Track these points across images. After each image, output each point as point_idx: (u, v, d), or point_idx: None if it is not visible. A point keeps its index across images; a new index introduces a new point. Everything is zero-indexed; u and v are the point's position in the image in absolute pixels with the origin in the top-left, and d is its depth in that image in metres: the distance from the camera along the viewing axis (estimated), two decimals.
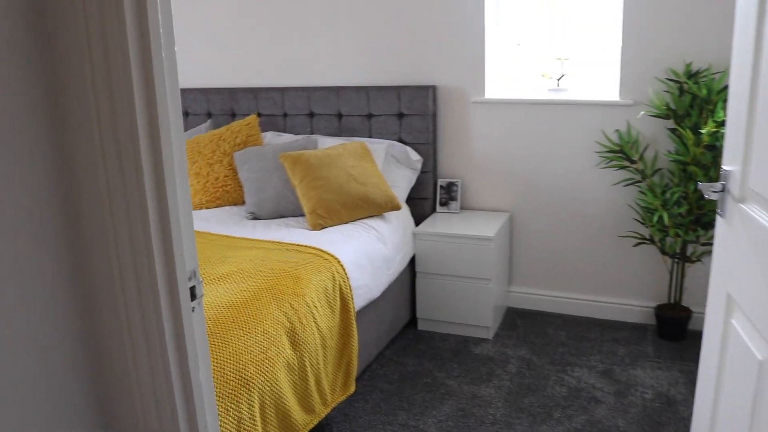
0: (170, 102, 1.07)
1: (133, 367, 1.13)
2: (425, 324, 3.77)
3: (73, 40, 1.01)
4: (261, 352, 2.34)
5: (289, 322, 2.53)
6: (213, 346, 2.22)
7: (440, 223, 3.75)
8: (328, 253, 2.99)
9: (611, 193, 3.68)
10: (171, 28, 1.06)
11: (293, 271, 2.76)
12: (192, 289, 1.17)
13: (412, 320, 3.83)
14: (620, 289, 3.78)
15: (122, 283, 1.10)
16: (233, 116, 4.36)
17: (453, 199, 3.92)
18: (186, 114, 4.52)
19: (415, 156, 3.85)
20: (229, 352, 2.24)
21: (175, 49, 1.07)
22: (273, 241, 3.13)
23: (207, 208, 3.82)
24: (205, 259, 2.91)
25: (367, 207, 3.44)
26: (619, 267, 3.76)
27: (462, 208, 3.99)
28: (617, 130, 3.57)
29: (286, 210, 3.58)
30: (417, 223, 3.82)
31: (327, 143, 3.87)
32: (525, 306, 4.00)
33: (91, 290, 1.13)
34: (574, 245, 3.83)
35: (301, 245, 3.06)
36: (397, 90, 3.85)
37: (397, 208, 3.51)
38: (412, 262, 3.72)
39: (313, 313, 2.67)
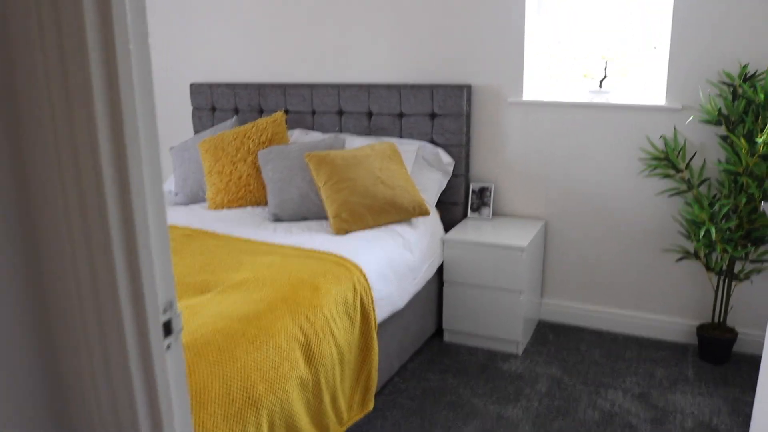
0: (140, 102, 0.91)
1: (99, 421, 0.99)
2: (452, 336, 3.59)
3: (22, 27, 0.86)
4: (272, 368, 2.20)
5: (305, 336, 2.38)
6: (219, 361, 2.08)
7: (471, 230, 3.57)
8: (350, 262, 2.84)
9: (654, 204, 3.46)
10: (143, 15, 0.91)
11: (311, 280, 2.61)
12: (167, 324, 1.02)
13: (438, 331, 3.66)
14: (660, 305, 3.56)
15: (84, 324, 0.96)
16: (261, 112, 4.23)
17: (485, 204, 3.73)
18: (213, 109, 4.41)
19: (446, 158, 3.67)
20: (237, 368, 2.10)
21: (154, 43, 0.92)
22: (293, 247, 2.99)
23: (229, 207, 3.70)
24: (220, 265, 2.78)
25: (393, 212, 3.28)
26: (659, 282, 3.54)
27: (494, 214, 3.80)
28: (663, 136, 3.35)
29: (309, 212, 3.43)
30: (447, 229, 3.64)
31: (355, 143, 3.72)
32: (557, 319, 3.80)
33: (50, 332, 0.99)
34: (612, 257, 3.61)
35: (322, 252, 2.91)
36: (430, 89, 3.67)
37: (426, 213, 3.34)
38: (440, 269, 3.55)
39: (330, 326, 2.52)
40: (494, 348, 3.49)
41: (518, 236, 3.42)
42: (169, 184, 4.18)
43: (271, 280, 2.59)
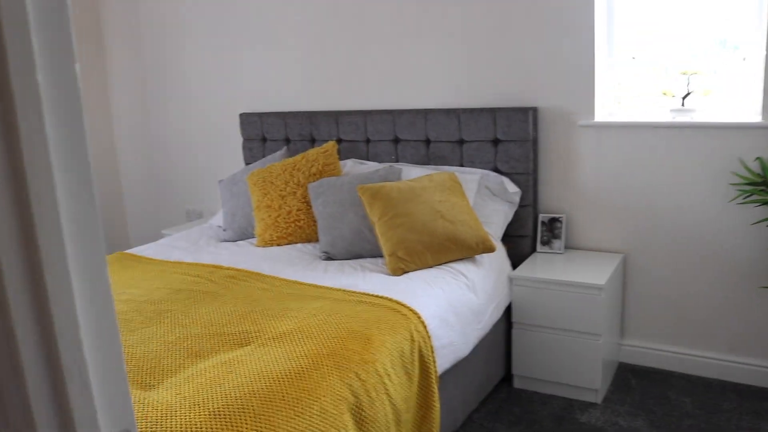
0: (55, 144, 0.65)
1: None
2: (522, 382, 3.25)
3: None
4: None
5: (355, 397, 2.10)
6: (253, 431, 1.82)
7: (541, 266, 3.23)
8: (407, 307, 2.55)
9: (749, 234, 3.06)
10: (69, 37, 0.65)
11: (363, 330, 2.34)
12: None
13: (507, 376, 3.33)
14: (763, 348, 3.14)
15: None
16: (313, 142, 4.01)
17: (556, 237, 3.40)
18: (263, 140, 4.21)
19: (512, 188, 3.36)
20: None
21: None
22: (343, 290, 2.72)
23: (278, 245, 3.47)
24: (264, 312, 2.53)
25: (455, 249, 2.98)
26: (760, 322, 3.12)
27: (567, 247, 3.45)
28: (759, 158, 2.96)
29: (363, 250, 3.17)
30: (514, 265, 3.32)
31: (412, 173, 3.44)
32: (641, 362, 3.41)
33: None
34: (703, 294, 3.22)
35: (376, 296, 2.63)
36: (492, 112, 3.38)
37: (491, 249, 3.03)
38: (508, 310, 3.22)
39: (384, 383, 2.23)
40: (570, 396, 3.14)
41: (595, 272, 3.07)
42: (218, 219, 3.99)
43: (317, 331, 2.33)
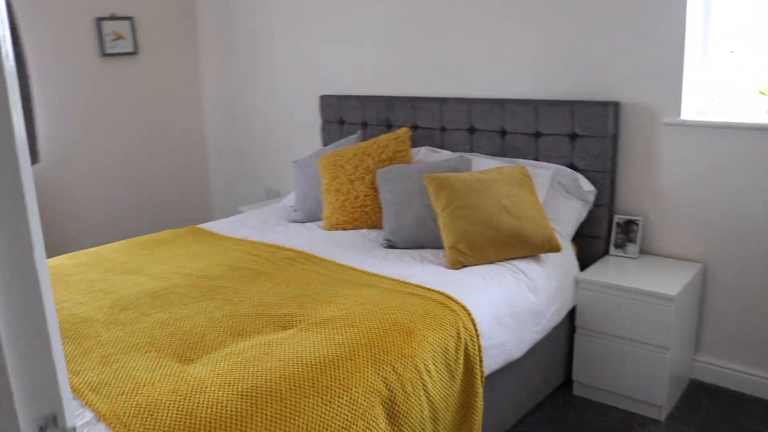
0: None
1: None
2: (582, 389, 3.11)
3: None
4: (343, 428, 1.90)
5: (389, 390, 2.06)
6: (279, 416, 1.81)
7: (612, 271, 3.07)
8: (458, 303, 2.47)
9: None
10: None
11: (407, 323, 2.28)
12: None
13: (567, 382, 3.19)
14: None
15: None
16: (389, 127, 3.96)
17: (631, 240, 3.22)
18: (341, 123, 4.21)
19: (587, 186, 3.20)
20: (299, 425, 1.82)
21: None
22: (397, 280, 2.67)
23: (343, 229, 3.45)
24: (313, 297, 2.52)
25: (518, 246, 2.87)
26: None
27: (642, 252, 3.26)
28: None
29: (425, 240, 3.11)
30: (583, 266, 3.17)
31: (483, 164, 3.34)
32: (714, 381, 3.19)
33: None
34: None
35: (428, 289, 2.57)
36: (571, 106, 3.23)
37: (556, 249, 2.90)
38: (573, 313, 3.09)
39: (423, 379, 2.17)
40: (632, 409, 2.97)
41: (668, 281, 2.89)
42: (291, 200, 4.02)
43: (360, 320, 2.29)
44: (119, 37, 4.78)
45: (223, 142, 5.26)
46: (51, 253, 4.57)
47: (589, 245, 3.29)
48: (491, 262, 2.87)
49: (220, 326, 2.31)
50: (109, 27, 4.72)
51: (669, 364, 2.83)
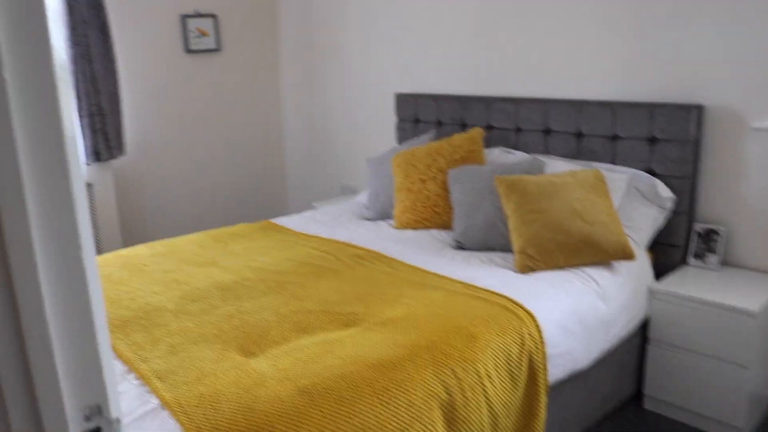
0: (25, 143, 0.66)
1: None
2: (653, 403, 3.01)
3: None
4: (399, 430, 1.89)
5: (448, 394, 2.04)
6: (335, 415, 1.82)
7: (690, 282, 2.95)
8: (524, 309, 2.43)
9: None
10: (45, 32, 0.65)
11: (470, 327, 2.26)
12: None
13: (637, 395, 3.09)
14: None
15: None
16: (463, 127, 3.93)
17: (712, 251, 3.08)
18: (416, 121, 4.20)
19: (665, 192, 3.09)
20: (354, 425, 1.82)
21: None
22: (463, 283, 2.65)
23: (414, 228, 3.45)
24: (379, 296, 2.52)
25: (590, 252, 2.80)
26: None
27: (724, 264, 3.11)
28: None
29: (495, 243, 3.07)
30: (658, 275, 3.06)
31: (557, 167, 3.27)
32: None
33: None
34: None
35: (494, 293, 2.53)
36: (651, 108, 3.12)
37: (629, 257, 2.81)
38: (646, 324, 2.98)
39: (484, 384, 2.14)
40: (706, 428, 2.85)
41: (751, 296, 2.75)
42: (363, 197, 4.04)
43: (423, 321, 2.28)
44: (203, 34, 4.91)
45: (300, 139, 5.34)
46: (132, 241, 4.77)
47: (666, 254, 3.17)
48: (561, 268, 2.81)
49: (285, 321, 2.34)
50: (193, 24, 4.86)
51: (749, 382, 2.70)
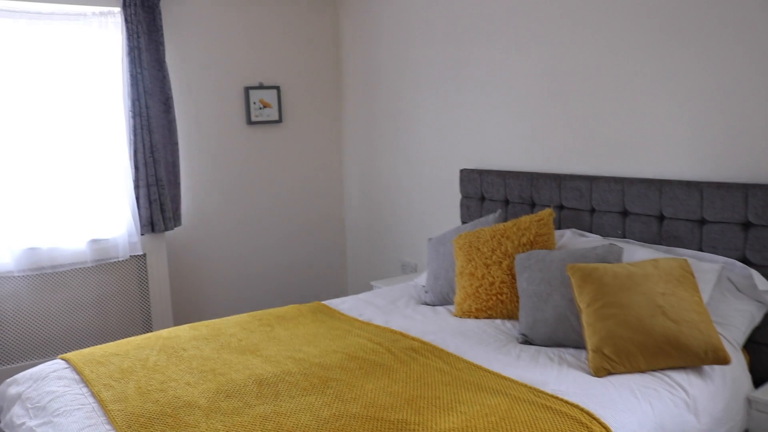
0: None
1: None
2: None
3: None
4: None
5: None
6: None
7: None
8: (600, 422, 2.09)
9: None
10: None
11: None
12: None
13: None
14: None
15: None
16: (532, 206, 3.66)
17: None
18: (482, 199, 3.95)
19: (763, 284, 2.72)
20: None
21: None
22: (530, 387, 2.33)
23: (475, 317, 3.15)
24: (432, 400, 2.23)
25: (676, 355, 2.45)
26: None
27: None
28: None
29: (566, 339, 2.74)
30: (757, 382, 2.67)
31: (637, 254, 2.95)
32: None
33: None
34: None
35: (565, 401, 2.21)
36: (744, 189, 2.78)
37: (723, 361, 2.44)
38: None
39: None
40: None
41: None
42: (422, 279, 3.78)
43: None
44: (265, 106, 4.84)
45: (361, 213, 5.16)
46: (182, 312, 4.62)
47: (765, 356, 2.78)
48: (642, 372, 2.46)
49: (326, 428, 2.08)
50: (256, 95, 4.80)
51: None
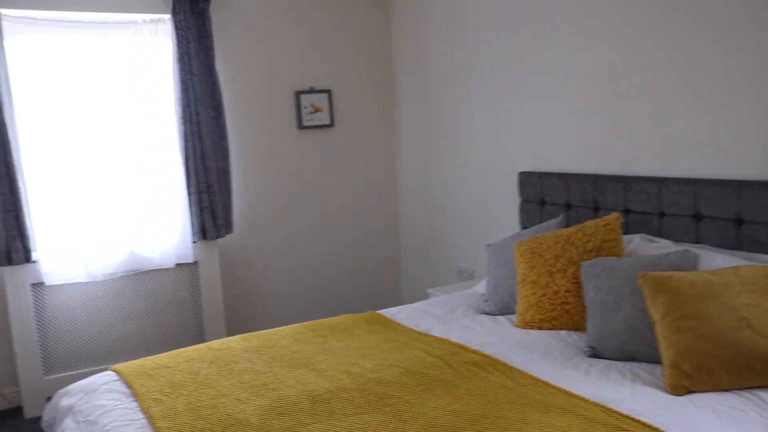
0: None
1: None
2: None
3: None
4: None
5: None
6: None
7: None
8: None
9: None
10: None
11: None
12: None
13: None
14: None
15: None
16: (596, 210, 3.47)
17: None
18: (542, 202, 3.77)
19: None
20: None
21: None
22: (602, 406, 2.16)
23: (539, 328, 2.99)
24: (496, 421, 2.08)
25: (764, 372, 2.24)
26: None
27: None
28: None
29: (638, 352, 2.56)
30: None
31: (714, 262, 2.73)
32: None
33: None
34: None
35: (642, 423, 2.03)
36: None
37: None
38: None
39: None
40: None
41: None
42: (481, 287, 3.63)
43: None
44: (316, 110, 4.75)
45: (416, 217, 5.02)
46: (235, 321, 4.56)
47: None
48: (726, 390, 2.26)
49: None
50: (307, 100, 4.71)
51: None
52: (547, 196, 3.72)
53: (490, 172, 4.25)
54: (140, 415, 2.35)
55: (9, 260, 3.80)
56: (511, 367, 2.54)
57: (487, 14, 4.12)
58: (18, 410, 3.99)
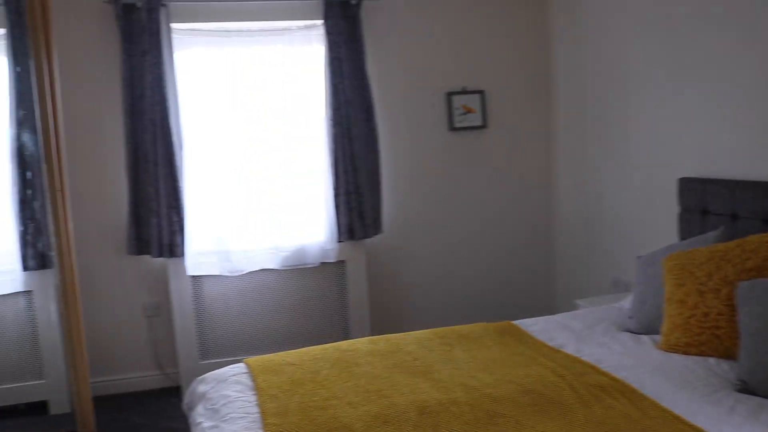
0: None
1: None
2: None
3: None
4: None
5: None
6: None
7: None
8: None
9: None
10: None
11: None
12: None
13: None
14: None
15: None
16: (766, 222, 3.07)
17: None
18: (704, 212, 3.41)
19: None
20: None
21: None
22: None
23: (684, 353, 2.69)
24: None
25: None
26: None
27: None
28: None
29: None
30: None
31: None
32: None
33: None
34: None
35: None
36: None
37: None
38: None
39: None
40: None
41: None
42: (628, 302, 3.35)
43: None
44: (468, 111, 4.66)
45: (570, 223, 4.78)
46: (381, 325, 4.57)
47: None
48: None
49: None
50: (458, 101, 4.63)
51: None
52: (710, 205, 3.36)
53: (648, 178, 3.92)
54: (255, 410, 2.41)
55: (172, 252, 4.10)
56: (642, 394, 2.30)
57: (650, 7, 3.80)
58: (177, 389, 4.29)
